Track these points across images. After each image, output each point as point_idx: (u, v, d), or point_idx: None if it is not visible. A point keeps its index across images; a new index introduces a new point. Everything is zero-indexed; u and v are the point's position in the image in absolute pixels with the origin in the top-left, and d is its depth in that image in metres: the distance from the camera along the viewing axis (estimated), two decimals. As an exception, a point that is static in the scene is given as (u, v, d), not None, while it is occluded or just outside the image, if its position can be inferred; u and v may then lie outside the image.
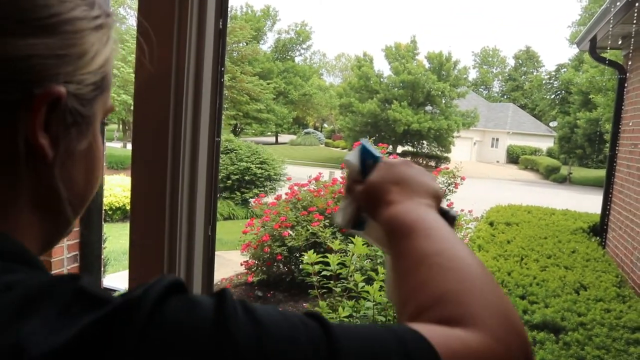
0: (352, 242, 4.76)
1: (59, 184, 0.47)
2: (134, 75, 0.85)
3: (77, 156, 0.49)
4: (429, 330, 0.40)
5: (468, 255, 0.51)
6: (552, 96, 43.19)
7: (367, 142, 0.70)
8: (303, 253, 5.16)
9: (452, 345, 0.40)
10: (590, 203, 9.69)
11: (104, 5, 0.50)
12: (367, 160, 0.68)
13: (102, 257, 3.69)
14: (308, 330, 0.38)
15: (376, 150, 0.69)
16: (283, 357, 0.35)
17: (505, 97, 51.50)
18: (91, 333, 0.34)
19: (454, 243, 0.53)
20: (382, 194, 0.61)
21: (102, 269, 3.77)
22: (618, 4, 4.94)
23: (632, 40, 5.65)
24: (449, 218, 0.62)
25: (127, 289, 2.62)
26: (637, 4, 4.68)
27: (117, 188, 10.14)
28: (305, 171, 9.58)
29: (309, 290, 4.74)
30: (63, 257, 3.16)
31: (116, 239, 6.85)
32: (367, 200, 0.65)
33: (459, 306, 0.44)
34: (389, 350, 0.38)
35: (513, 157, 35.41)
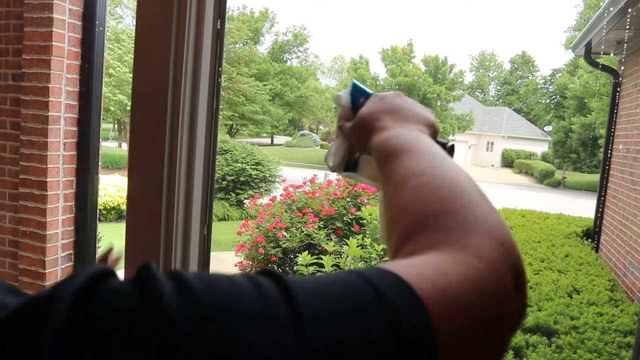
0: (346, 244, 4.76)
1: None
2: (131, 75, 0.85)
3: None
4: (401, 266, 0.35)
5: (457, 170, 0.47)
6: (547, 100, 43.36)
7: (359, 82, 0.69)
8: (297, 254, 5.16)
9: (427, 275, 0.35)
10: (583, 207, 9.74)
11: None
12: (359, 99, 0.66)
13: (97, 256, 3.69)
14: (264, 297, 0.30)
15: (368, 89, 0.67)
16: (232, 332, 0.28)
17: (500, 100, 51.67)
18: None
19: (443, 160, 0.49)
20: (373, 122, 0.59)
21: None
22: (611, 9, 4.98)
23: (626, 46, 5.69)
24: (446, 149, 0.57)
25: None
26: (629, 10, 4.72)
27: (111, 188, 10.12)
28: (301, 173, 9.59)
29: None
30: (57, 257, 3.15)
31: (110, 239, 6.83)
32: (358, 133, 0.62)
33: (440, 229, 0.40)
34: (357, 296, 0.32)
35: (508, 161, 35.51)
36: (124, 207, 9.80)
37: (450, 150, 0.59)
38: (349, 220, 6.57)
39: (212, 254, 0.96)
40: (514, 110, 44.12)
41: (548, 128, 37.65)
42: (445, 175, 0.45)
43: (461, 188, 0.43)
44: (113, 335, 0.27)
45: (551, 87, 43.43)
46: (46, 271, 3.07)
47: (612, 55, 6.84)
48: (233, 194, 11.96)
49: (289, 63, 41.29)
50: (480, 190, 0.44)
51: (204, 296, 0.29)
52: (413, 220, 0.42)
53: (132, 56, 0.86)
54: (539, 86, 46.85)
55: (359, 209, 6.64)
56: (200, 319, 0.28)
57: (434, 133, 0.59)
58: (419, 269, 0.35)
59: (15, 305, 0.29)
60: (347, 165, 0.68)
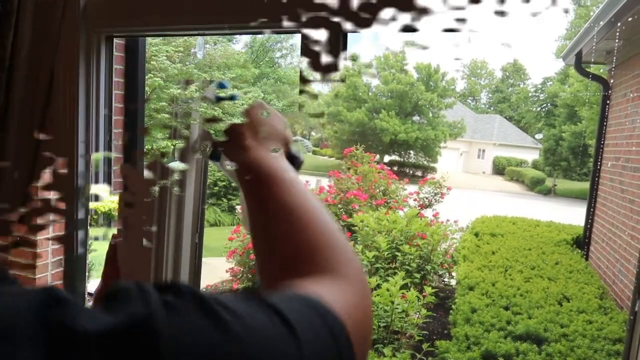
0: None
1: None
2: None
3: None
4: (320, 290, 0.45)
5: (322, 209, 0.59)
6: (538, 109, 43.70)
7: (226, 81, 0.80)
8: (289, 261, 5.14)
9: (339, 299, 0.45)
10: (574, 215, 9.80)
11: None
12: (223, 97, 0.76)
13: (87, 261, 3.66)
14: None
15: (231, 90, 0.78)
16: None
17: (492, 108, 51.96)
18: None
19: (309, 197, 0.60)
20: (238, 137, 0.68)
21: (87, 273, 3.73)
22: (601, 22, 5.04)
23: (615, 56, 5.76)
24: (296, 161, 0.71)
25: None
26: (618, 24, 4.77)
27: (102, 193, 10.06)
28: (293, 179, 9.53)
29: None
30: (47, 262, 3.13)
31: (101, 244, 6.79)
32: (229, 146, 0.71)
33: (325, 261, 0.52)
34: (320, 328, 0.41)
35: (499, 169, 35.70)
36: (115, 212, 9.75)
37: (300, 162, 0.72)
38: (340, 227, 6.57)
39: (203, 259, 0.96)
40: (505, 118, 44.37)
41: (539, 136, 37.93)
42: (315, 212, 0.58)
43: (326, 225, 0.57)
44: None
45: (542, 95, 43.79)
46: (36, 277, 3.05)
47: (602, 63, 6.91)
48: (225, 200, 11.94)
49: (280, 61, 40.79)
50: (338, 227, 0.58)
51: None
52: (296, 249, 0.53)
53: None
54: (530, 94, 47.20)
55: (350, 215, 6.65)
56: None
57: (287, 147, 0.72)
58: (331, 293, 0.46)
59: (114, 322, 0.32)
60: (212, 154, 0.77)
